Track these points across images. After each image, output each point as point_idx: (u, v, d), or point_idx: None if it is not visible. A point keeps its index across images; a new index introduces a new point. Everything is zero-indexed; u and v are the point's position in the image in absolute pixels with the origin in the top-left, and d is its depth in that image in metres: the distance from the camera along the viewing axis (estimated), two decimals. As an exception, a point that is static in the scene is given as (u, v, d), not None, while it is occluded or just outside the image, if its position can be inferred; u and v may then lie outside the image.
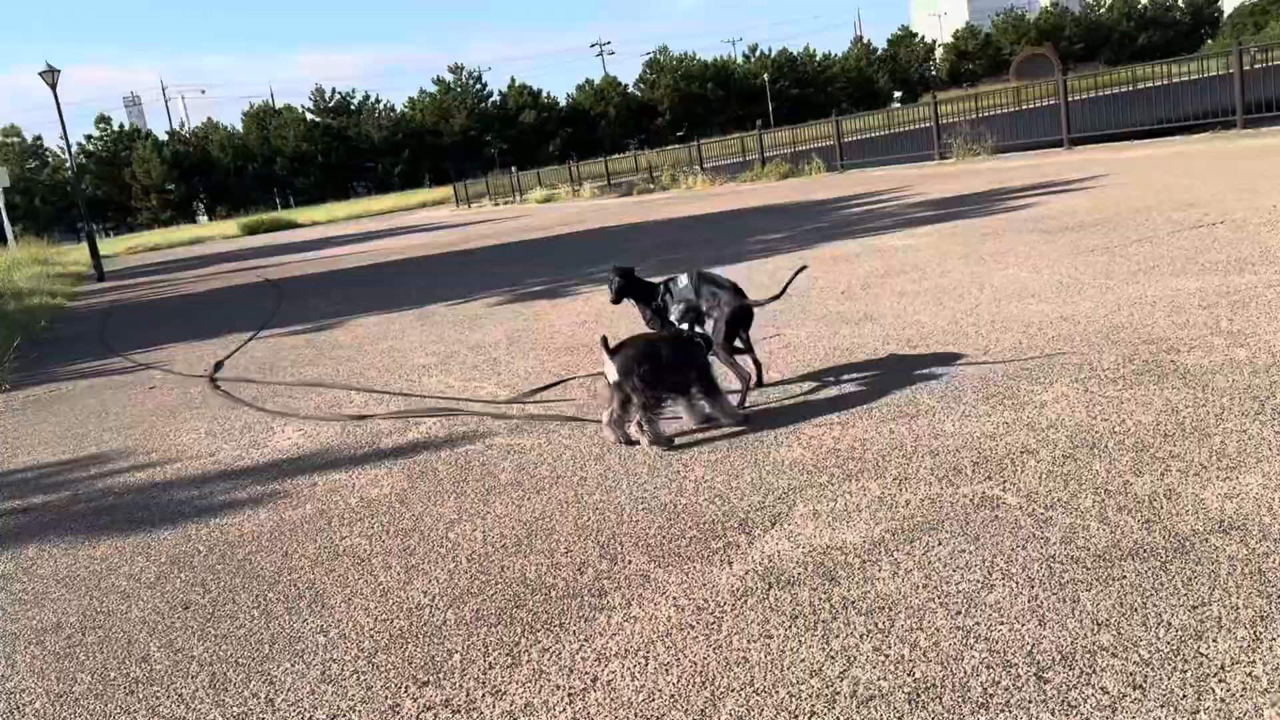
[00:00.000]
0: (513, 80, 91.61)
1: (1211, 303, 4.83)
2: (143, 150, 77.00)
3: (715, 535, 2.88)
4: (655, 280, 4.72)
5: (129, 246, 57.71)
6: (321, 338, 8.26)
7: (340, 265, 18.00)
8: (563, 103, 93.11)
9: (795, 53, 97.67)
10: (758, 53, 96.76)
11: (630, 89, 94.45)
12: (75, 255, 47.12)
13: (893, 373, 4.44)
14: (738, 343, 4.39)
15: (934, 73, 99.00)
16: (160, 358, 8.35)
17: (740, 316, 4.31)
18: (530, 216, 27.60)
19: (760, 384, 4.48)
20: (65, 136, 29.30)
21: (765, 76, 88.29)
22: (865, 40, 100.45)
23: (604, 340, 3.84)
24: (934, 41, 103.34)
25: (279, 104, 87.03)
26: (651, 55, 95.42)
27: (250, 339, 8.78)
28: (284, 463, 4.40)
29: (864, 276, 7.21)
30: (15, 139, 76.11)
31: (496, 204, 45.75)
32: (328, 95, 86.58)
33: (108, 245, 62.18)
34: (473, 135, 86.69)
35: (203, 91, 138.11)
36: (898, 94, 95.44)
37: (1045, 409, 3.59)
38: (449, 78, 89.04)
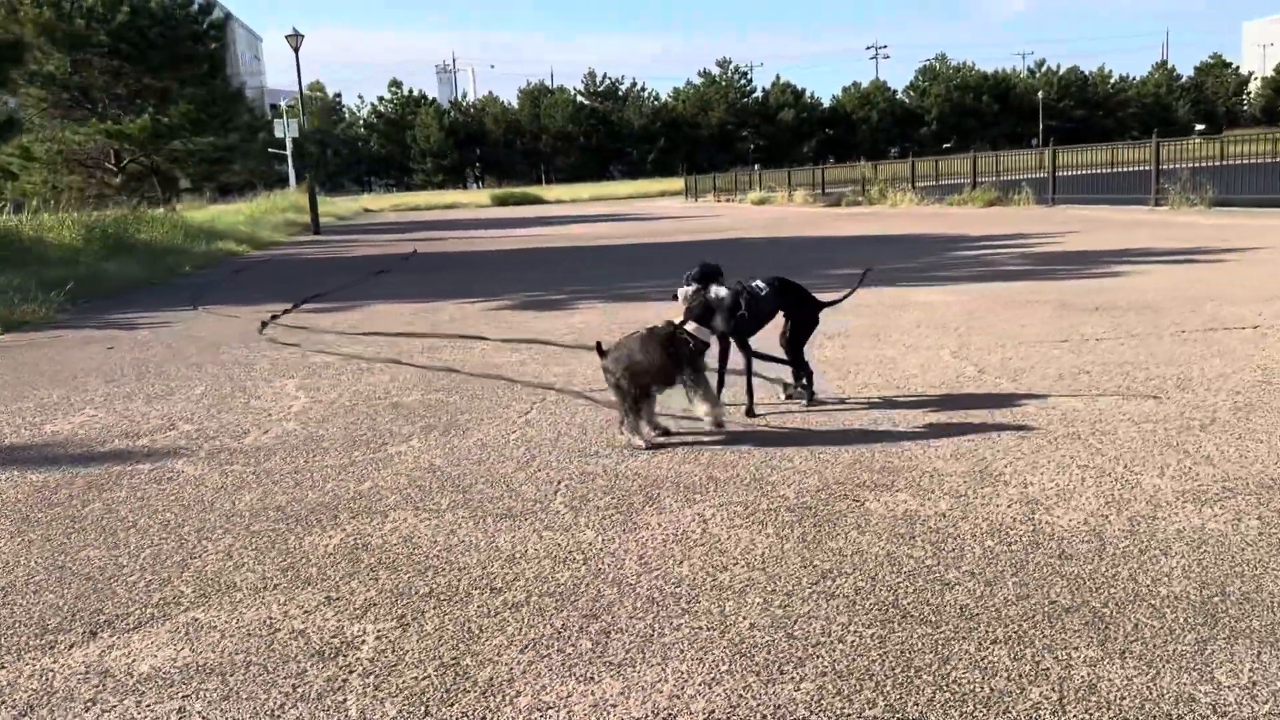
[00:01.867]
0: (777, 78, 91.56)
1: None
2: (425, 116, 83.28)
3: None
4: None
5: (394, 204, 62.72)
6: (330, 317, 8.71)
7: (504, 246, 18.83)
8: (826, 104, 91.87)
9: (1088, 72, 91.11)
10: (1044, 68, 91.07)
11: (899, 95, 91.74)
12: (336, 207, 51.96)
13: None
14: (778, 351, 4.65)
15: (1245, 107, 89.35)
16: (205, 318, 9.11)
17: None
18: (722, 217, 27.61)
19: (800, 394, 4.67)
20: (300, 95, 32.32)
21: (1040, 94, 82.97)
22: (1169, 65, 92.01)
23: (598, 346, 4.13)
24: (1250, 74, 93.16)
25: (556, 84, 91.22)
26: (927, 63, 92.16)
27: (271, 318, 9.41)
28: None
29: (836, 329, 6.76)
30: (319, 94, 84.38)
31: (719, 200, 46.19)
32: (598, 79, 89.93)
33: (379, 200, 67.94)
34: (729, 129, 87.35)
35: (492, 67, 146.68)
36: (1199, 126, 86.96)
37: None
38: (715, 71, 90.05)
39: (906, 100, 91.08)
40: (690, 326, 4.09)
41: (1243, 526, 2.94)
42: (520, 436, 4.36)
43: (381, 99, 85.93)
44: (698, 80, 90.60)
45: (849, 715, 2.03)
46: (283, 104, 68.65)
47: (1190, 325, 6.31)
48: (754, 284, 4.55)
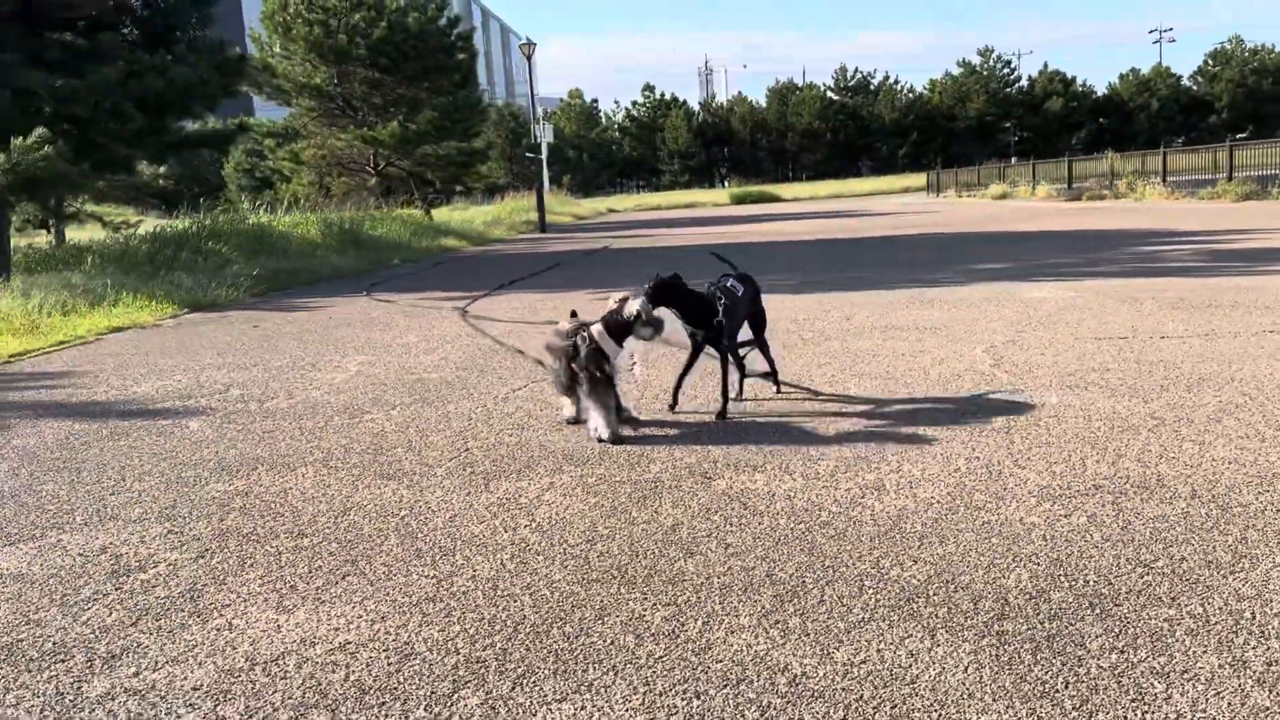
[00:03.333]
0: (1044, 65, 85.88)
1: None
2: (674, 119, 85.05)
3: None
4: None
5: (637, 203, 64.70)
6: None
7: (686, 242, 19.19)
8: (1100, 92, 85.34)
9: None
10: (1364, 45, 79.92)
11: (1184, 81, 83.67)
12: (580, 208, 54.23)
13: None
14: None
15: None
16: (378, 306, 10.05)
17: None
18: (937, 213, 26.56)
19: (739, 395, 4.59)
20: (532, 100, 34.06)
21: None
22: None
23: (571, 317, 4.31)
24: None
25: (805, 82, 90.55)
26: (1218, 46, 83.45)
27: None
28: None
29: (874, 323, 6.55)
30: (577, 101, 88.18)
31: (959, 194, 44.26)
32: (849, 74, 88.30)
33: (625, 200, 70.26)
34: (989, 121, 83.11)
35: (744, 67, 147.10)
36: None
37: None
38: (976, 60, 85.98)
39: (1193, 87, 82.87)
40: (595, 330, 4.00)
41: (1061, 525, 2.79)
42: (484, 409, 4.68)
43: (635, 103, 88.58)
44: (957, 71, 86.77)
45: (476, 653, 2.20)
46: (540, 111, 72.60)
47: (1285, 327, 5.66)
48: (728, 283, 4.48)
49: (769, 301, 5.17)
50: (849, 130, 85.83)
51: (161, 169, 27.86)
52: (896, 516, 2.92)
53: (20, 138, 10.45)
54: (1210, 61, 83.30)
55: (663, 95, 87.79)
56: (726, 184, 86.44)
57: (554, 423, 4.34)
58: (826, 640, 2.18)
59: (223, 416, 4.85)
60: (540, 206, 29.84)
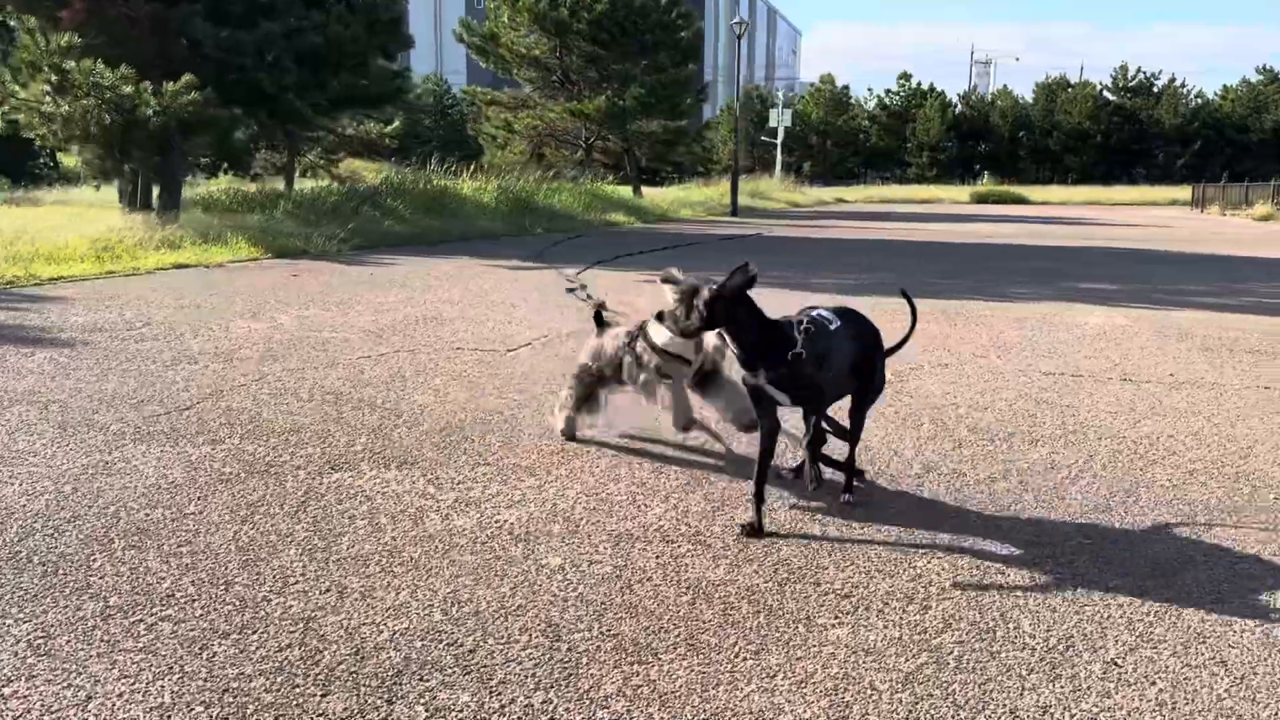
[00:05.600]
0: (1369, 75, 75.59)
1: None
2: (928, 109, 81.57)
3: None
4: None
5: (869, 195, 62.77)
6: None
7: (856, 237, 18.38)
8: None
9: None
10: None
11: None
12: (806, 196, 53.23)
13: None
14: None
15: None
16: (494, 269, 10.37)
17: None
18: (1173, 230, 23.95)
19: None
20: (731, 79, 33.44)
21: None
22: None
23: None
24: None
25: (1080, 79, 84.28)
26: None
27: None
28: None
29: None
30: (828, 86, 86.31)
31: (1222, 212, 39.88)
32: (1130, 74, 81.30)
33: (859, 191, 68.20)
34: (1289, 134, 74.25)
35: (1017, 59, 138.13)
36: None
37: None
38: (1278, 67, 76.82)
39: None
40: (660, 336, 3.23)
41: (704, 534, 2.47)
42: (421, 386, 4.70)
43: (888, 91, 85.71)
44: (1255, 78, 77.88)
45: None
46: (779, 94, 71.75)
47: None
48: (818, 312, 3.02)
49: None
50: (1122, 134, 79.07)
51: (389, 127, 29.78)
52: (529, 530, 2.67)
53: (171, 83, 11.47)
54: None
55: (919, 85, 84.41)
56: (978, 180, 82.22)
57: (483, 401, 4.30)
58: None
59: (177, 354, 5.15)
60: (734, 190, 29.50)
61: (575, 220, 20.30)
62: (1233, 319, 7.10)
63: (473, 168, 23.52)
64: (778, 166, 61.49)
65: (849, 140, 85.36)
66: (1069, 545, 2.69)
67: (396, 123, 30.52)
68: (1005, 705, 1.90)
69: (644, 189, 35.50)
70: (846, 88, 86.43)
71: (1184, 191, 57.61)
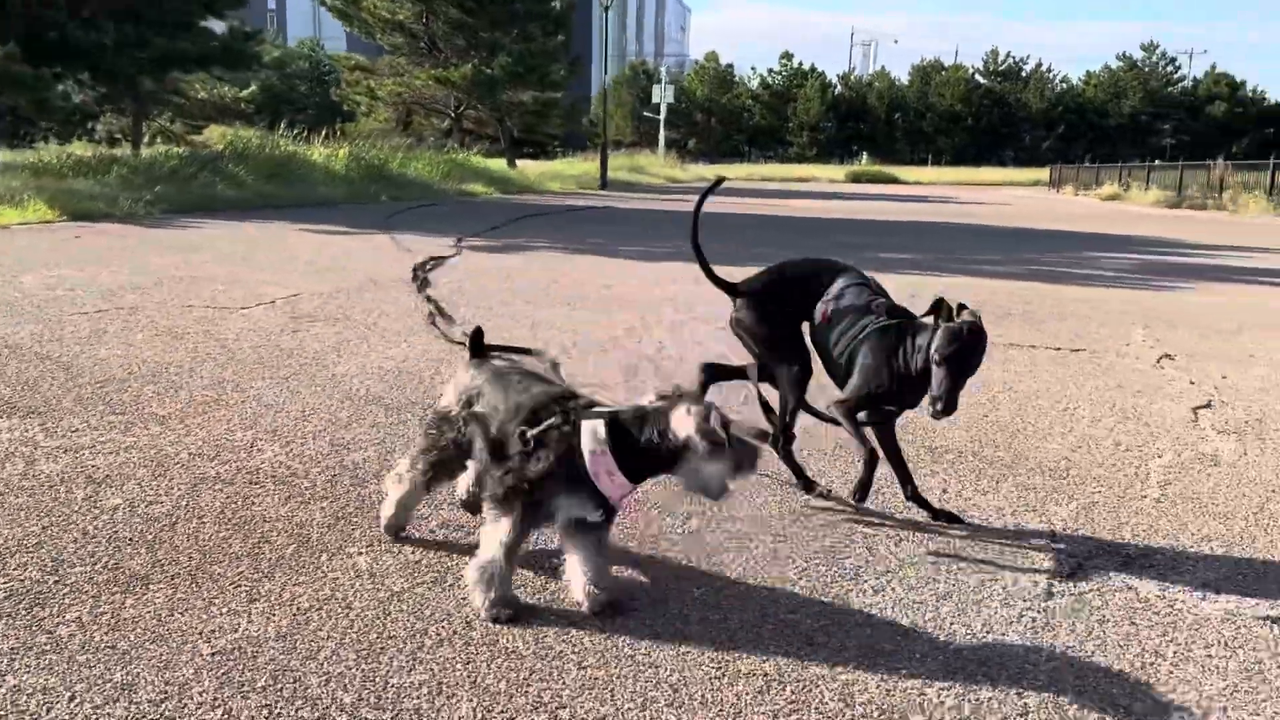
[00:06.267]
0: (1212, 67, 79.92)
1: None
2: (808, 90, 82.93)
3: None
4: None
5: (750, 173, 63.46)
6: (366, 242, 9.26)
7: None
8: (1273, 99, 78.88)
9: None
10: None
11: (1375, 94, 76.40)
12: (686, 173, 53.46)
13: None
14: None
15: None
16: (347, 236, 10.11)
17: None
18: (1012, 208, 24.94)
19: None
20: (608, 55, 33.43)
21: None
22: None
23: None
24: None
25: (953, 63, 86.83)
26: None
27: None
28: None
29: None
30: (711, 64, 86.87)
31: (1074, 192, 41.81)
32: (1000, 58, 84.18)
33: (739, 169, 69.00)
34: (1143, 120, 78.02)
35: (895, 41, 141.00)
36: None
37: None
38: (1138, 55, 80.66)
39: (1388, 99, 75.60)
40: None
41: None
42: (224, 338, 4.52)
43: (770, 70, 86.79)
44: (1116, 64, 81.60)
45: None
46: (662, 70, 71.87)
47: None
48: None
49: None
50: (992, 117, 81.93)
51: (244, 91, 28.60)
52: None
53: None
54: None
55: (799, 65, 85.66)
56: (858, 161, 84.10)
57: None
58: None
59: None
60: (603, 164, 29.45)
61: (430, 189, 19.97)
62: (1001, 285, 7.43)
63: (325, 133, 22.87)
64: (661, 142, 61.60)
65: (733, 118, 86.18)
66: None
67: (253, 87, 29.39)
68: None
69: (525, 161, 35.18)
70: (730, 66, 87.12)
71: (1045, 173, 60.14)
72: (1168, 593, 2.16)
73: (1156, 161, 42.37)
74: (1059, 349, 4.75)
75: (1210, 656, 1.89)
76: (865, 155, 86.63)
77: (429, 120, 32.60)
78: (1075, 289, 7.28)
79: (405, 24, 29.99)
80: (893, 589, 2.14)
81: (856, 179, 59.09)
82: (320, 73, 67.74)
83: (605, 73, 32.22)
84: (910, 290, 6.90)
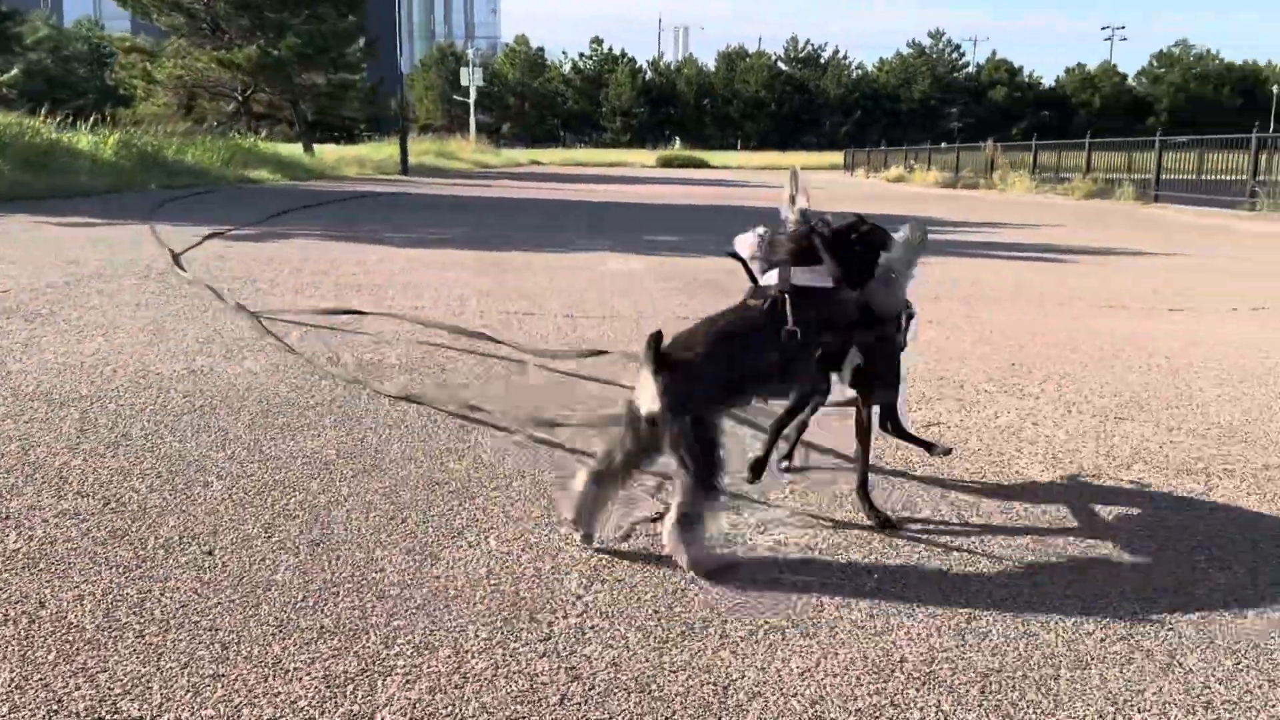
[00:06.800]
0: (992, 54, 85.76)
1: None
2: (619, 75, 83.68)
3: None
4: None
5: (565, 158, 63.56)
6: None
7: (511, 196, 18.52)
8: (1046, 84, 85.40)
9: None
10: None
11: (1129, 80, 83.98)
12: (499, 157, 52.93)
13: None
14: None
15: None
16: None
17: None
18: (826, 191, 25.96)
19: None
20: (399, 38, 32.94)
21: (1274, 89, 73.44)
22: None
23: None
24: None
25: (757, 49, 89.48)
26: (1165, 49, 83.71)
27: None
28: None
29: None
30: (522, 47, 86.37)
31: (866, 174, 43.99)
32: (800, 45, 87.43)
33: (553, 154, 69.00)
34: (932, 105, 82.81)
35: (703, 28, 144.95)
36: None
37: None
38: (926, 43, 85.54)
39: (1137, 87, 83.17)
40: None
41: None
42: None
43: (582, 54, 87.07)
44: (906, 52, 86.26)
45: None
46: (470, 53, 70.88)
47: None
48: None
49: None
50: (794, 103, 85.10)
51: (5, 75, 26.38)
52: None
53: None
54: (1155, 63, 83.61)
55: (610, 50, 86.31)
56: (670, 145, 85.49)
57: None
58: None
59: None
60: (403, 148, 28.80)
61: (209, 176, 18.98)
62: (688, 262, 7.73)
63: (94, 119, 21.32)
64: (472, 126, 60.76)
65: (547, 102, 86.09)
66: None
67: (15, 70, 27.37)
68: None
69: (327, 146, 33.92)
70: (541, 49, 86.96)
71: (842, 156, 62.98)
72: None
73: (943, 144, 44.96)
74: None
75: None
76: (678, 140, 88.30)
77: (214, 104, 30.95)
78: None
79: (184, 3, 28.34)
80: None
81: (667, 163, 60.10)
82: (100, 55, 63.21)
83: (400, 54, 31.24)
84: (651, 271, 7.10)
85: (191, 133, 24.09)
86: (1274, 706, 1.60)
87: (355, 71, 32.06)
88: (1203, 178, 20.14)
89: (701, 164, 61.14)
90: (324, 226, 10.21)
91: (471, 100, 62.17)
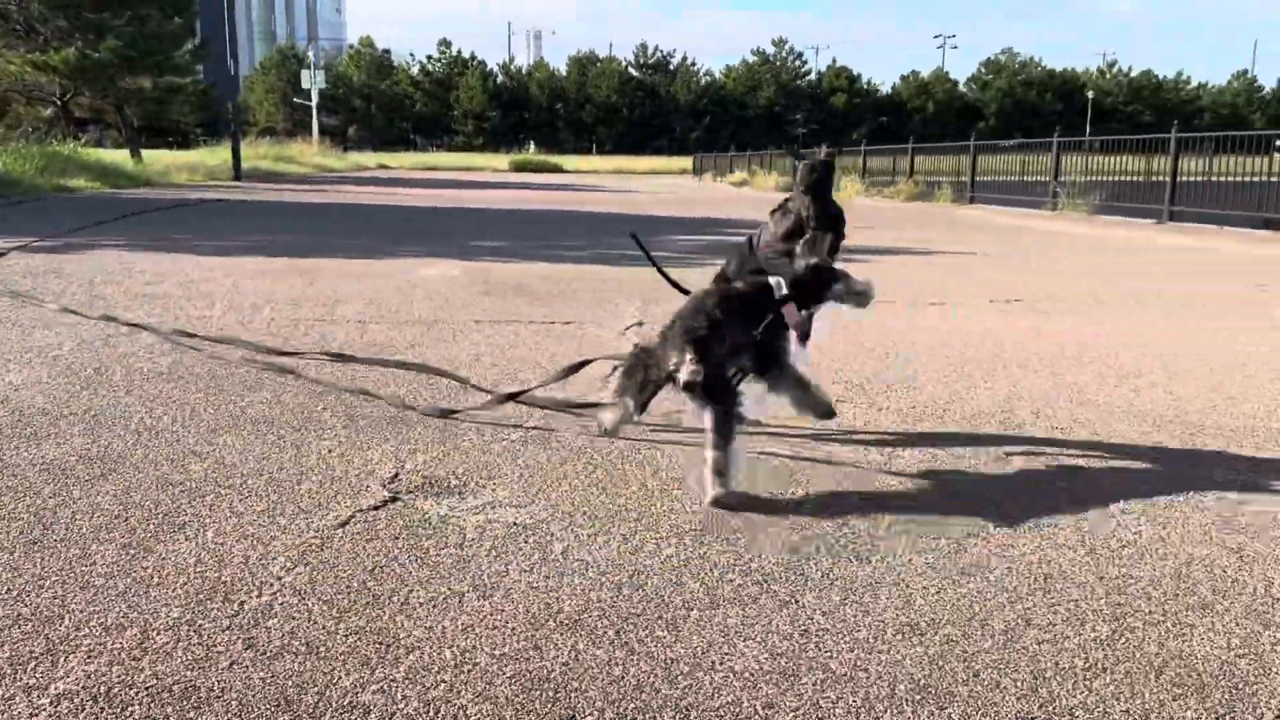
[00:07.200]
0: (833, 61, 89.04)
1: None
2: (470, 78, 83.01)
3: None
4: None
5: (415, 162, 62.53)
6: None
7: (341, 201, 18.25)
8: (884, 91, 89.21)
9: (1162, 77, 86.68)
10: (1115, 68, 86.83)
11: (960, 87, 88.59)
12: (344, 162, 51.69)
13: None
14: None
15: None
16: None
17: None
18: (639, 194, 26.55)
19: None
20: (232, 42, 31.98)
21: (1090, 94, 79.13)
22: (1251, 76, 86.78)
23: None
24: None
25: (609, 55, 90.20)
26: (992, 57, 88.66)
27: None
28: None
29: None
30: (368, 49, 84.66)
31: (713, 179, 45.11)
32: (649, 51, 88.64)
33: (402, 158, 67.81)
34: (778, 111, 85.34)
35: (554, 33, 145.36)
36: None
37: None
38: (770, 50, 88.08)
39: (967, 93, 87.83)
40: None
41: None
42: None
43: (430, 57, 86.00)
44: (752, 59, 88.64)
45: None
46: (310, 55, 69.08)
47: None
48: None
49: None
50: (645, 108, 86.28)
51: None
52: None
53: None
54: (984, 70, 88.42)
55: (459, 53, 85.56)
56: (525, 150, 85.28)
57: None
58: None
59: None
60: (235, 153, 27.91)
61: (19, 186, 17.99)
62: (543, 267, 7.98)
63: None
64: (314, 130, 59.17)
65: (395, 105, 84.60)
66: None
67: None
68: None
69: (159, 151, 32.53)
70: (388, 51, 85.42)
71: (686, 162, 64.31)
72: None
73: (783, 149, 46.47)
74: (552, 323, 5.23)
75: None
76: (533, 144, 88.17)
77: (31, 109, 29.28)
78: (617, 269, 7.96)
79: (-6, 1, 26.72)
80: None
81: (520, 168, 59.98)
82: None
83: (234, 57, 30.25)
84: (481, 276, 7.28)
85: (4, 139, 22.77)
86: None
87: (185, 74, 30.81)
88: (1012, 179, 21.64)
89: (556, 168, 61.33)
90: (133, 237, 9.93)
91: (314, 103, 60.61)
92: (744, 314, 2.72)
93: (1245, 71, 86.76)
